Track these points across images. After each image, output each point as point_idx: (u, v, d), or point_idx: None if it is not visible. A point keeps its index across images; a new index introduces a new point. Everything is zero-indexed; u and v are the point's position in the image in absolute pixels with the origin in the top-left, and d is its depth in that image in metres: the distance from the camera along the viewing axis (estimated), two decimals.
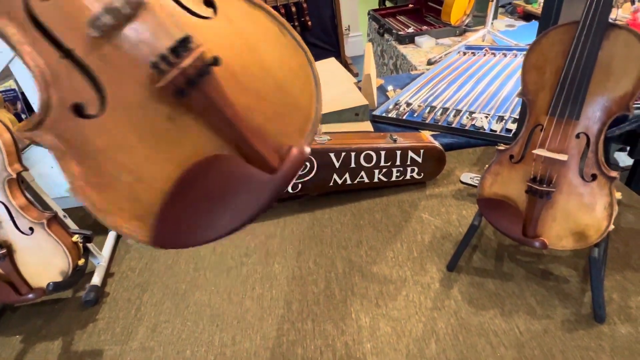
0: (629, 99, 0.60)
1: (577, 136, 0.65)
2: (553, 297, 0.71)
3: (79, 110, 0.32)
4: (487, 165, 0.75)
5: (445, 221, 0.91)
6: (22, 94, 1.28)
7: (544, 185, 0.68)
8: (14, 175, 0.73)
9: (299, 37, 0.39)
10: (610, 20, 0.59)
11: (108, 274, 0.90)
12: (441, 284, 0.76)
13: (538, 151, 0.67)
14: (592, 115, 0.63)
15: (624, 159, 1.41)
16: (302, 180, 0.98)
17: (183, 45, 0.32)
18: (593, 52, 0.60)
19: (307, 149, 0.37)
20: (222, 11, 0.36)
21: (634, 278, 0.72)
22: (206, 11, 0.36)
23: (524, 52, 1.74)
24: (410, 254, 0.84)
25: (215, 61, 0.33)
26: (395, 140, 0.99)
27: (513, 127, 1.16)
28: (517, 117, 1.20)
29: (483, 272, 0.77)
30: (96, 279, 0.87)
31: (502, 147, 0.74)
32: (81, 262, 0.81)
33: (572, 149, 0.66)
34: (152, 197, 0.34)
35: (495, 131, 1.16)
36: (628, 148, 1.25)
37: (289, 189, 1.00)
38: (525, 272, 0.76)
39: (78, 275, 0.80)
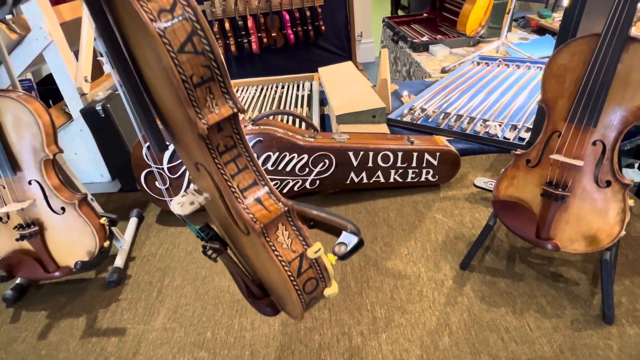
0: None
1: (594, 143, 0.68)
2: (563, 298, 0.73)
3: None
4: (503, 169, 0.78)
5: (458, 222, 0.94)
6: (37, 83, 1.32)
7: (560, 189, 0.70)
8: (51, 156, 0.77)
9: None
10: (630, 35, 0.62)
11: (130, 258, 0.93)
12: (454, 281, 0.79)
13: (555, 156, 0.70)
14: (609, 124, 0.66)
15: (632, 175, 1.43)
16: (320, 177, 1.01)
17: None
18: (613, 64, 0.63)
19: None
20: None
21: None
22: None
23: (540, 65, 1.76)
24: (424, 252, 0.86)
25: None
26: (412, 143, 1.02)
27: (526, 135, 1.19)
28: (530, 126, 1.23)
29: (495, 271, 0.80)
30: (119, 262, 0.90)
31: (519, 151, 0.77)
32: (106, 244, 0.84)
33: (588, 155, 0.68)
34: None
35: (509, 139, 1.19)
36: (638, 163, 1.28)
37: (307, 185, 1.03)
38: (536, 274, 0.79)
39: (102, 257, 0.84)
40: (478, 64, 1.83)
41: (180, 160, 0.96)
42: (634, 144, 1.14)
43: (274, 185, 1.02)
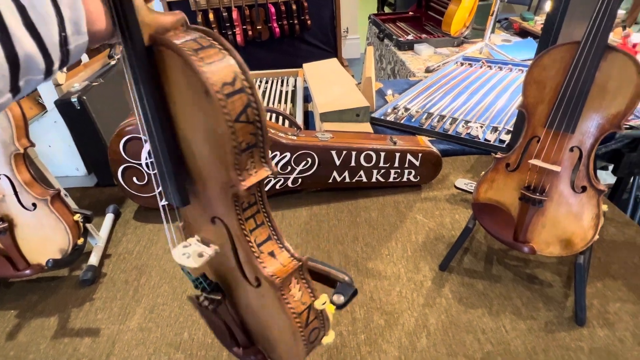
0: (621, 118, 0.64)
1: (571, 149, 0.69)
2: (537, 299, 0.75)
3: None
4: (483, 172, 0.79)
5: (438, 224, 0.94)
6: None
7: (537, 194, 0.71)
8: (21, 150, 0.74)
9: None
10: (609, 43, 0.64)
11: (105, 255, 0.91)
12: (433, 283, 0.79)
13: (534, 161, 0.71)
14: (586, 131, 0.67)
15: (605, 177, 1.48)
16: (302, 175, 1.01)
17: None
18: (591, 72, 0.64)
19: None
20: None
21: (613, 286, 0.77)
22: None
23: (521, 67, 1.78)
24: (405, 253, 0.87)
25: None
26: (395, 143, 1.02)
27: (506, 138, 1.21)
28: (511, 128, 1.25)
29: (473, 273, 0.81)
30: (93, 259, 0.88)
31: (499, 155, 0.78)
32: (80, 241, 0.81)
33: (566, 161, 0.70)
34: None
35: (490, 141, 1.21)
36: (612, 166, 1.32)
37: (289, 183, 1.02)
38: (512, 275, 0.80)
39: (76, 255, 0.81)
40: (462, 64, 1.85)
41: None
42: (609, 148, 1.17)
43: None
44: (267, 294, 0.44)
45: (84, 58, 1.28)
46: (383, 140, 1.03)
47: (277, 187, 1.02)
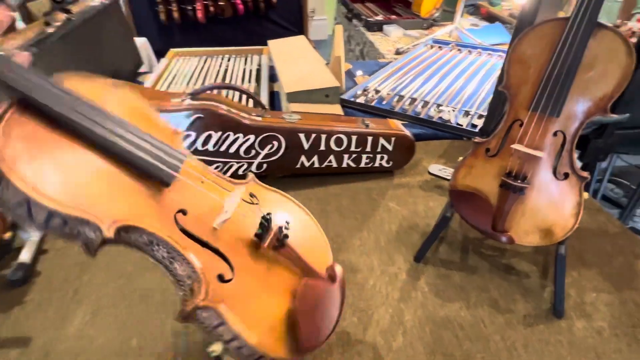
0: (608, 101, 0.61)
1: (555, 134, 0.65)
2: (515, 291, 0.72)
3: (222, 278, 0.44)
4: (460, 157, 0.74)
5: (412, 212, 0.90)
6: None
7: (519, 181, 0.67)
8: None
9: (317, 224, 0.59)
10: (598, 20, 0.59)
11: (40, 251, 0.79)
12: (408, 275, 0.75)
13: (516, 146, 0.67)
14: (571, 114, 0.64)
15: None
16: (268, 160, 0.93)
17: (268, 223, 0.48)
18: (580, 50, 0.60)
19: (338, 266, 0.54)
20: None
21: (589, 275, 0.75)
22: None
23: (490, 52, 1.76)
24: (378, 243, 0.81)
25: (286, 236, 0.49)
26: (367, 126, 0.96)
27: (478, 122, 1.18)
28: (483, 113, 1.22)
29: (449, 264, 0.77)
30: (25, 256, 0.76)
31: (477, 139, 0.73)
32: (8, 235, 0.70)
33: (549, 146, 0.66)
34: (280, 322, 0.46)
35: (462, 125, 1.17)
36: (578, 152, 1.32)
37: (254, 168, 0.93)
38: (489, 266, 0.77)
39: (3, 251, 0.70)
40: (432, 47, 1.81)
41: None
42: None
43: (215, 168, 0.91)
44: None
45: (19, 24, 1.12)
46: (354, 122, 0.97)
47: (240, 172, 0.94)
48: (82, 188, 0.37)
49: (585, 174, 0.65)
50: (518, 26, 0.97)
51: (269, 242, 0.47)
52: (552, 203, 0.67)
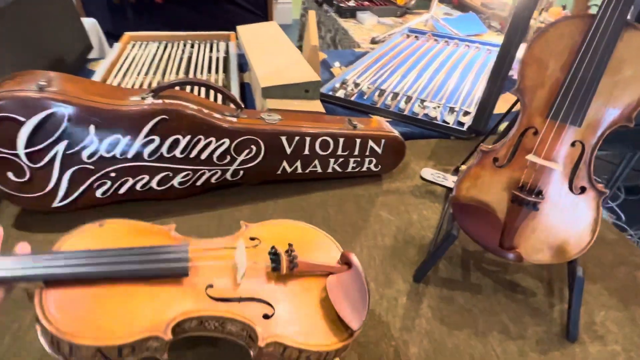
0: (633, 110, 0.55)
1: (573, 144, 0.59)
2: (524, 312, 0.66)
3: (267, 316, 0.48)
4: (463, 166, 0.67)
5: (406, 221, 0.82)
6: None
7: (533, 196, 0.61)
8: None
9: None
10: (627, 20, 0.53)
11: None
12: (409, 299, 0.67)
13: (532, 158, 0.60)
14: (593, 123, 0.57)
15: None
16: (245, 166, 0.81)
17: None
18: (607, 52, 0.54)
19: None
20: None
21: (594, 290, 0.71)
22: None
23: (468, 43, 1.70)
24: (372, 261, 0.73)
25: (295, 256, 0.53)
26: (355, 127, 0.87)
27: (465, 120, 1.12)
28: (468, 110, 1.16)
29: (451, 283, 0.70)
30: None
31: (484, 147, 0.66)
32: None
33: (565, 157, 0.60)
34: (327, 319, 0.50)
35: (449, 123, 1.11)
36: None
37: (229, 176, 0.82)
38: (493, 284, 0.71)
39: None
40: (408, 36, 1.73)
41: (46, 144, 0.68)
42: None
43: (185, 177, 0.79)
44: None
45: None
46: (340, 123, 0.87)
47: (213, 181, 0.82)
48: (130, 314, 0.43)
49: (602, 187, 0.60)
50: (514, 22, 0.90)
51: (285, 270, 0.51)
52: (567, 219, 0.62)
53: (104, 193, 0.76)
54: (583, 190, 0.60)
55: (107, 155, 0.72)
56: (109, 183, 0.75)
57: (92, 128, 0.69)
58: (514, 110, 0.79)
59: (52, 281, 0.43)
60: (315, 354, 0.47)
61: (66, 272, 0.43)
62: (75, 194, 0.74)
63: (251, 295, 0.48)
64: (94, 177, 0.73)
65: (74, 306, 0.42)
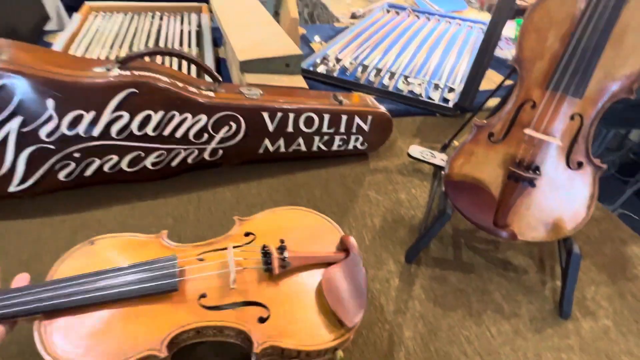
0: (635, 81, 0.53)
1: (572, 118, 0.57)
2: (516, 290, 0.65)
3: (262, 320, 0.46)
4: (456, 142, 0.64)
5: (394, 201, 0.79)
6: None
7: (530, 172, 0.59)
8: None
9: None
10: None
11: None
12: (401, 280, 0.65)
13: (530, 132, 0.57)
14: (593, 95, 0.55)
15: None
16: (224, 145, 0.76)
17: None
18: (613, 18, 0.51)
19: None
20: None
21: (584, 266, 0.71)
22: None
23: (448, 19, 1.67)
24: (362, 242, 0.70)
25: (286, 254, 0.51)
26: (340, 102, 0.82)
27: (450, 96, 1.09)
28: (452, 86, 1.13)
29: (443, 262, 0.68)
30: None
31: (478, 122, 0.63)
32: None
33: (564, 131, 0.58)
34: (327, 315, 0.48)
35: (434, 100, 1.08)
36: None
37: (206, 155, 0.76)
38: (485, 262, 0.69)
39: None
40: (388, 11, 1.68)
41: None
42: None
43: (158, 157, 0.73)
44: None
45: None
46: (325, 98, 0.82)
47: (190, 161, 0.76)
48: (126, 336, 0.43)
49: (600, 162, 0.58)
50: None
51: (278, 269, 0.49)
52: (563, 195, 0.60)
53: (67, 176, 0.69)
54: (580, 165, 0.58)
55: (70, 134, 0.65)
56: (72, 164, 0.68)
57: (50, 102, 0.61)
58: (505, 84, 0.77)
59: (50, 312, 0.43)
60: (314, 352, 0.45)
61: (62, 301, 0.43)
62: (35, 177, 0.67)
63: (245, 299, 0.47)
64: (56, 158, 0.66)
65: (73, 336, 0.42)
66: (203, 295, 0.47)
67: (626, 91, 0.54)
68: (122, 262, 0.48)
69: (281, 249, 0.51)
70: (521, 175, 0.59)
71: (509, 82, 0.78)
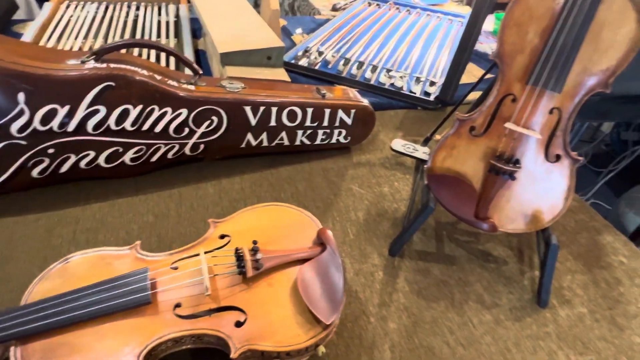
0: (610, 75, 0.54)
1: (551, 112, 0.58)
2: (497, 281, 0.67)
3: (239, 324, 0.46)
4: (438, 136, 0.65)
5: (377, 195, 0.80)
6: None
7: (510, 165, 0.60)
8: None
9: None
10: None
11: None
12: (385, 273, 0.65)
13: (510, 126, 0.58)
14: (571, 90, 0.56)
15: None
16: (205, 140, 0.74)
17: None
18: (590, 14, 0.52)
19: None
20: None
21: (561, 256, 0.73)
22: None
23: (429, 12, 1.67)
24: (346, 236, 0.71)
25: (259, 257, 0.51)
26: (323, 96, 0.82)
27: (431, 90, 1.10)
28: (434, 79, 1.14)
29: (426, 255, 0.69)
30: None
31: (461, 116, 0.64)
32: None
33: (543, 125, 0.59)
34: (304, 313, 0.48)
35: (415, 93, 1.08)
36: None
37: (187, 150, 0.75)
38: (466, 254, 0.71)
39: None
40: (369, 4, 1.68)
41: None
42: None
43: (137, 152, 0.71)
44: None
45: None
46: (308, 92, 0.82)
47: (170, 156, 0.74)
48: (102, 354, 0.42)
49: (577, 155, 0.60)
50: None
51: (251, 272, 0.49)
52: (541, 187, 0.62)
53: (41, 172, 0.67)
54: (558, 158, 0.60)
55: (43, 129, 0.62)
56: (47, 161, 0.66)
57: (21, 96, 0.59)
58: (486, 78, 0.77)
59: (24, 337, 0.42)
60: (294, 351, 0.45)
61: (35, 326, 0.42)
62: (6, 174, 0.64)
63: (221, 305, 0.47)
64: (28, 155, 0.64)
65: (50, 359, 0.41)
66: (178, 305, 0.46)
67: (603, 85, 0.55)
68: (96, 278, 0.47)
69: (254, 250, 0.51)
70: (502, 168, 0.60)
71: (489, 76, 0.79)
